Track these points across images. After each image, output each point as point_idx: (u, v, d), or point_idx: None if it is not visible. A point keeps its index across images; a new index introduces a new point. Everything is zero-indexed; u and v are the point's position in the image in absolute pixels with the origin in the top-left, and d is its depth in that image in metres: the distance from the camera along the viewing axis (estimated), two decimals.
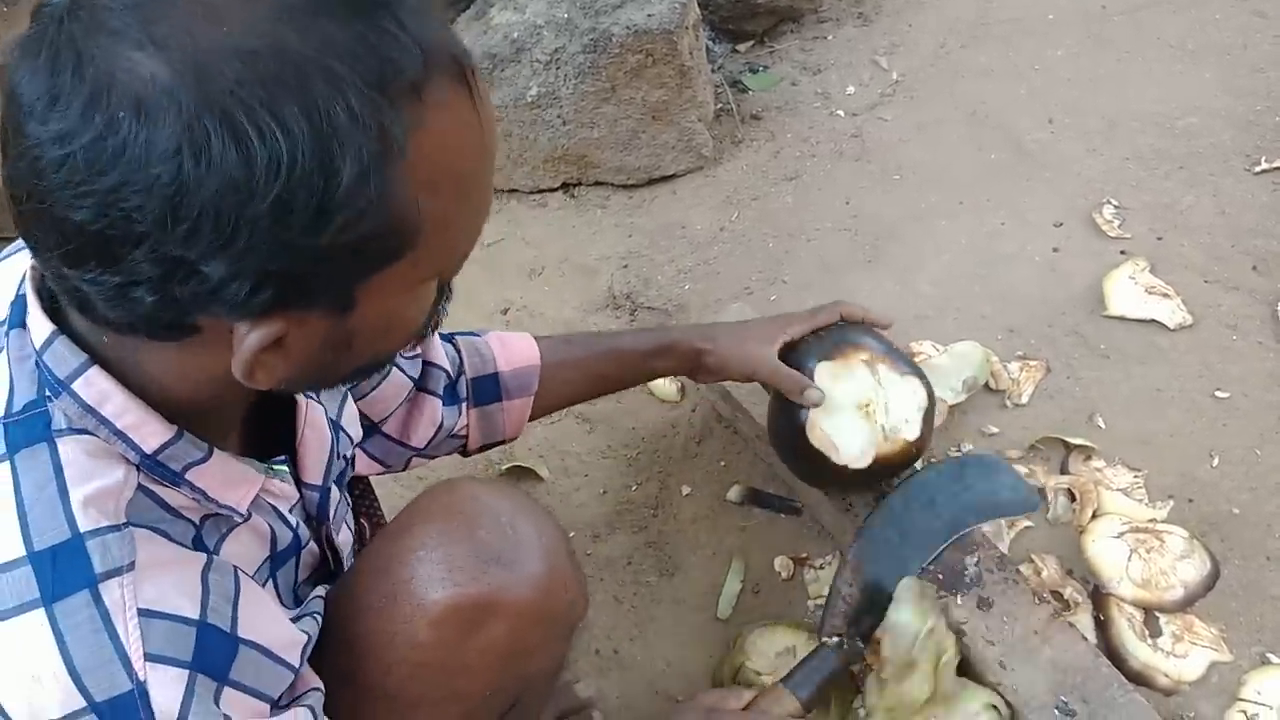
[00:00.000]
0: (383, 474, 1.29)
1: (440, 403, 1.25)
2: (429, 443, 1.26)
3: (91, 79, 0.59)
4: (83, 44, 0.59)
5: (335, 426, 1.02)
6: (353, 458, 1.11)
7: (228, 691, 0.73)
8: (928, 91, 2.28)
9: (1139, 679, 1.31)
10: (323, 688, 0.87)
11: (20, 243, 0.83)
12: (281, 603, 0.89)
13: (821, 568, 1.48)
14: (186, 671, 0.70)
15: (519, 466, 1.65)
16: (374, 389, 1.16)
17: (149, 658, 0.69)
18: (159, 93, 0.58)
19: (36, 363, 0.73)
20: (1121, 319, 1.74)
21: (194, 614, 0.72)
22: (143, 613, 0.69)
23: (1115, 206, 1.94)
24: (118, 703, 0.67)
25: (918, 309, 1.82)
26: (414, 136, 0.63)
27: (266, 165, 0.59)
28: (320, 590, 0.94)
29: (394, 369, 1.19)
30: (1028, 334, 1.75)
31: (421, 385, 1.24)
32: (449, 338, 1.30)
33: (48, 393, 0.72)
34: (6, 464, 0.70)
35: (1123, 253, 1.85)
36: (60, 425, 0.71)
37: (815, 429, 1.32)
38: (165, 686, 0.69)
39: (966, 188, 2.04)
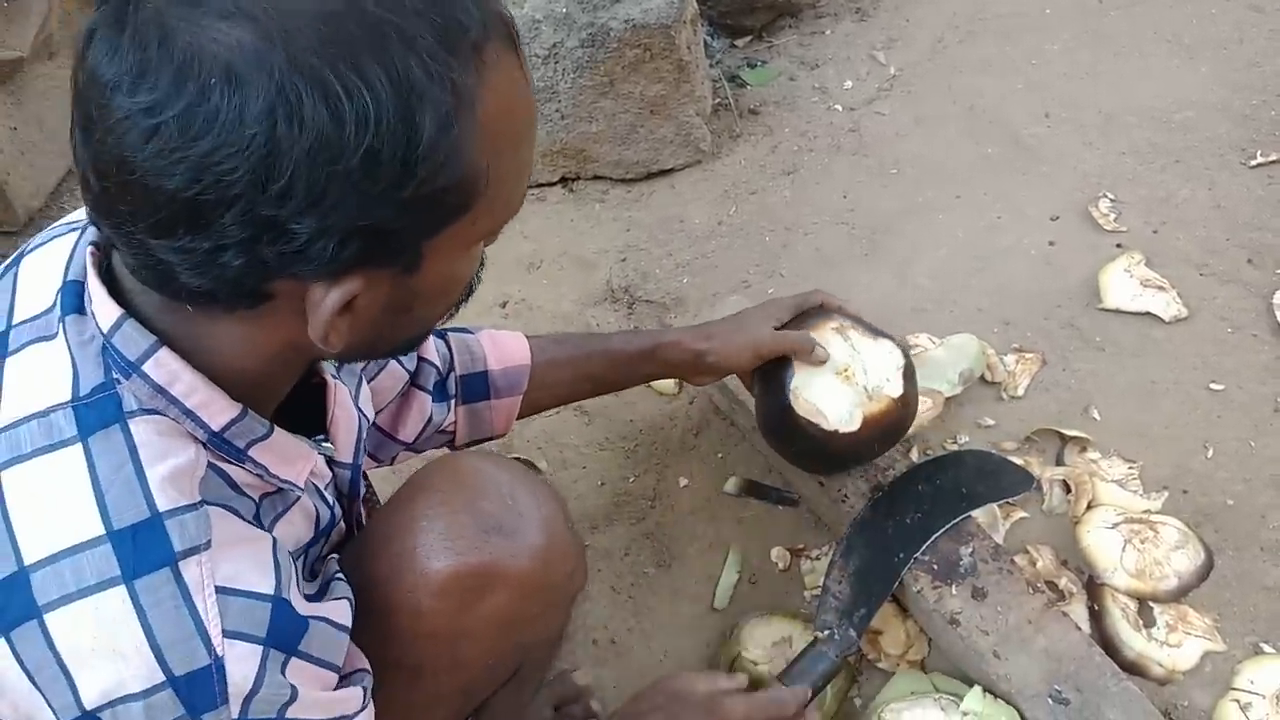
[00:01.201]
0: (372, 468, 1.29)
1: (430, 398, 1.26)
2: (417, 437, 1.27)
3: (180, 50, 0.61)
4: (166, 18, 0.62)
5: (355, 407, 1.03)
6: (366, 440, 1.13)
7: (294, 662, 0.76)
8: (925, 86, 2.28)
9: (1133, 668, 1.32)
10: (370, 668, 0.89)
11: (48, 233, 0.85)
12: (302, 576, 0.90)
13: (818, 559, 1.49)
14: (260, 647, 0.73)
15: (517, 458, 1.66)
16: (373, 378, 1.17)
17: (226, 634, 0.71)
18: (248, 58, 0.60)
19: (104, 346, 0.74)
20: (1117, 312, 1.74)
21: (269, 590, 0.75)
22: (220, 590, 0.71)
23: (1111, 200, 1.94)
24: (195, 676, 0.69)
25: (914, 302, 1.83)
26: (480, 95, 0.67)
27: (356, 121, 0.61)
28: (334, 555, 0.96)
29: (393, 361, 1.20)
30: (1024, 326, 1.76)
31: (413, 380, 1.25)
32: (441, 334, 1.31)
33: (116, 375, 0.74)
34: (79, 446, 0.72)
35: (1118, 246, 1.85)
36: (131, 406, 0.73)
37: (799, 400, 1.33)
38: (240, 661, 0.71)
39: (963, 181, 2.05)
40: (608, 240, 2.05)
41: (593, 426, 1.71)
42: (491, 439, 1.37)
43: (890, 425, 1.38)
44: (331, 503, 0.94)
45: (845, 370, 1.35)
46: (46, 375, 0.75)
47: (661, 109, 2.08)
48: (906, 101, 2.25)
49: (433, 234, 0.70)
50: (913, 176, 2.08)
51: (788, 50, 2.43)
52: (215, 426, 0.76)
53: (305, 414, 0.93)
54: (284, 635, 0.75)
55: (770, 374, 1.38)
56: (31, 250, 0.84)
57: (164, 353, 0.73)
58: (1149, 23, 2.32)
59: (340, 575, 0.91)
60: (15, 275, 0.82)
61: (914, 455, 1.55)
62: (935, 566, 1.35)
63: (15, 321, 0.79)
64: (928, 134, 2.16)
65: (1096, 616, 1.37)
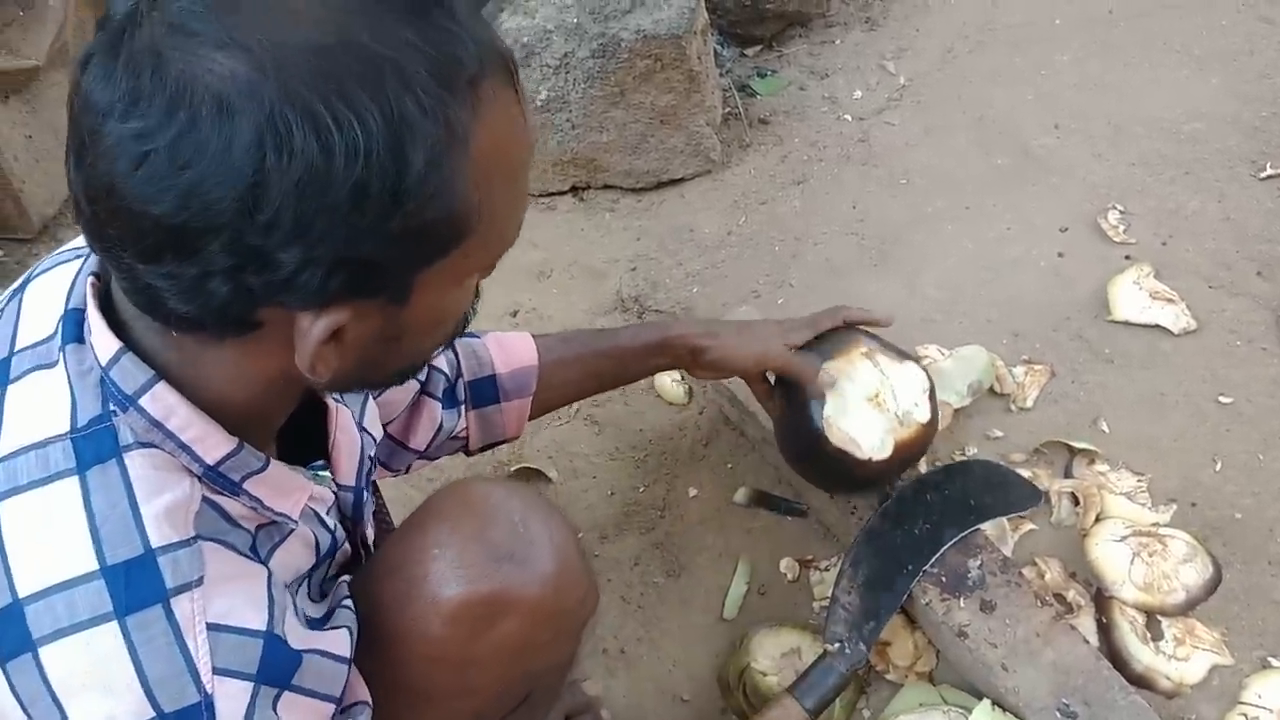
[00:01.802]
0: (386, 477, 1.30)
1: (439, 405, 1.27)
2: (429, 444, 1.27)
3: (173, 79, 0.61)
4: (161, 46, 0.62)
5: (359, 428, 1.04)
6: (375, 457, 1.13)
7: (286, 696, 0.76)
8: (934, 96, 2.29)
9: (1141, 682, 1.32)
10: (371, 701, 0.89)
11: (53, 259, 0.85)
12: (311, 599, 0.91)
13: (827, 570, 1.50)
14: (251, 684, 0.73)
15: (527, 468, 1.67)
16: (379, 394, 1.18)
17: (217, 671, 0.71)
18: (240, 88, 0.61)
19: (101, 378, 0.74)
20: (1126, 324, 1.75)
21: (261, 626, 0.75)
22: (211, 627, 0.72)
23: (1120, 211, 1.95)
24: (185, 713, 0.70)
25: (923, 312, 1.83)
26: (474, 131, 0.67)
27: (345, 153, 0.61)
28: (345, 578, 0.96)
29: None
30: (1033, 338, 1.77)
31: (422, 388, 1.26)
32: None
33: (114, 407, 0.74)
34: (76, 479, 0.72)
35: (1128, 258, 1.86)
36: (127, 440, 0.73)
37: (834, 429, 1.34)
38: (230, 699, 0.71)
39: (973, 192, 2.05)
40: (618, 249, 2.06)
41: (603, 436, 1.72)
42: (504, 442, 1.38)
43: (918, 450, 1.40)
44: (333, 526, 0.94)
45: (876, 396, 1.36)
46: (45, 405, 0.75)
47: (672, 119, 2.08)
48: (916, 111, 2.26)
49: (423, 267, 0.70)
50: (922, 187, 2.09)
51: (798, 60, 2.44)
52: (210, 460, 0.76)
53: (307, 437, 0.94)
54: (276, 671, 0.75)
55: (797, 398, 1.38)
56: (37, 275, 0.84)
57: (161, 387, 0.74)
58: (1159, 34, 2.32)
59: (348, 602, 0.91)
60: (20, 300, 0.82)
61: (922, 466, 1.55)
62: (944, 579, 1.36)
63: (18, 348, 0.79)
64: (937, 144, 2.17)
65: (1104, 629, 1.38)
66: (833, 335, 1.41)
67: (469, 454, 1.36)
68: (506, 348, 1.34)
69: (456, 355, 1.30)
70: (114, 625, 0.69)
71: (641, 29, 1.99)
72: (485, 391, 1.31)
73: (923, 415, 1.37)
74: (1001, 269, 1.89)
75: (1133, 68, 2.26)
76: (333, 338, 0.70)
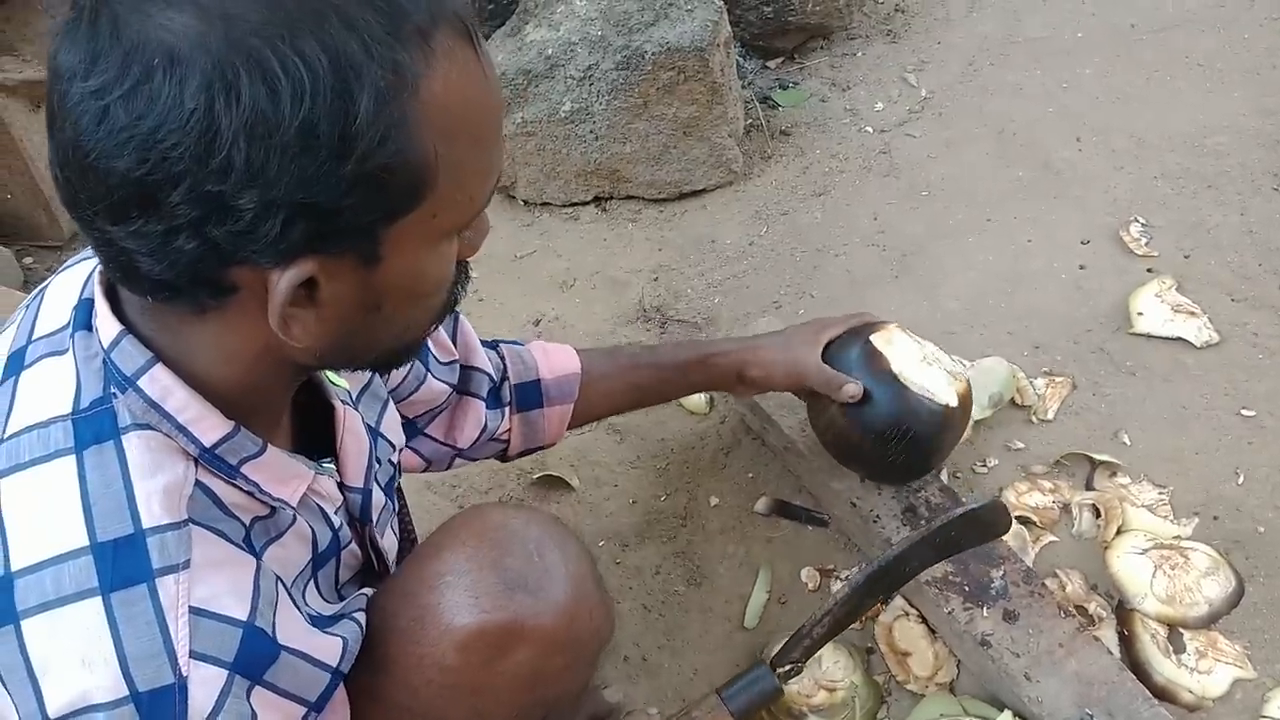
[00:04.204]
0: (426, 471, 1.32)
1: (484, 405, 1.29)
2: (473, 444, 1.29)
3: (128, 37, 0.63)
4: (118, 9, 0.64)
5: (374, 433, 1.05)
6: (399, 464, 1.14)
7: (259, 690, 0.76)
8: (956, 109, 2.30)
9: (1163, 694, 1.32)
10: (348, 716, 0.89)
11: (78, 257, 0.87)
12: (323, 598, 0.92)
13: (847, 579, 1.50)
14: (226, 672, 0.73)
15: (550, 475, 1.68)
16: (412, 393, 1.20)
17: (194, 655, 0.72)
18: (189, 40, 0.62)
19: (104, 361, 0.76)
20: (1148, 336, 1.75)
21: (242, 615, 0.75)
22: (194, 610, 0.72)
23: (1143, 225, 1.95)
24: (157, 695, 0.70)
25: (944, 325, 1.84)
26: (425, 78, 0.67)
27: (291, 95, 0.63)
28: (366, 591, 0.97)
29: (431, 378, 1.22)
30: (1054, 350, 1.77)
31: (464, 389, 1.28)
32: (493, 345, 1.34)
33: (114, 389, 0.75)
34: (73, 458, 0.74)
35: (1150, 271, 1.86)
36: (125, 421, 0.75)
37: (911, 380, 1.36)
38: (204, 684, 0.72)
39: (994, 205, 2.06)
40: (640, 260, 2.08)
41: (625, 445, 1.73)
42: (542, 448, 1.39)
43: (969, 407, 1.42)
44: (339, 525, 0.94)
45: (924, 358, 1.39)
46: (52, 389, 0.77)
47: (694, 130, 2.10)
48: (937, 124, 2.27)
49: (387, 221, 0.70)
50: (943, 199, 2.09)
51: (819, 72, 2.45)
52: (207, 442, 0.77)
53: (317, 441, 0.95)
54: (252, 662, 0.75)
55: (865, 374, 1.38)
56: (62, 271, 0.87)
57: (159, 369, 0.75)
58: (1181, 48, 2.32)
59: (359, 615, 0.92)
60: (43, 295, 0.85)
61: (943, 476, 1.56)
62: (967, 588, 1.36)
63: (34, 337, 0.81)
64: (958, 157, 2.18)
65: (1126, 642, 1.38)
66: (862, 324, 1.44)
67: (505, 459, 1.37)
68: (551, 354, 1.36)
69: (503, 359, 1.33)
70: (98, 601, 0.70)
71: (665, 41, 2.00)
72: (530, 395, 1.33)
73: (963, 371, 1.42)
74: (1023, 281, 1.89)
75: (1155, 81, 2.26)
76: (308, 299, 0.71)
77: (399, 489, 1.32)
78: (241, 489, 0.81)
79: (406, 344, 0.85)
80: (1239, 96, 2.18)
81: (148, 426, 0.75)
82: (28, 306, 0.85)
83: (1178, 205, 1.98)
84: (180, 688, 0.71)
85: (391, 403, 1.12)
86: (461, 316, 1.28)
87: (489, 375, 1.29)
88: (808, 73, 2.46)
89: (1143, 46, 2.35)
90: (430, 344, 1.22)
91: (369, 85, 0.64)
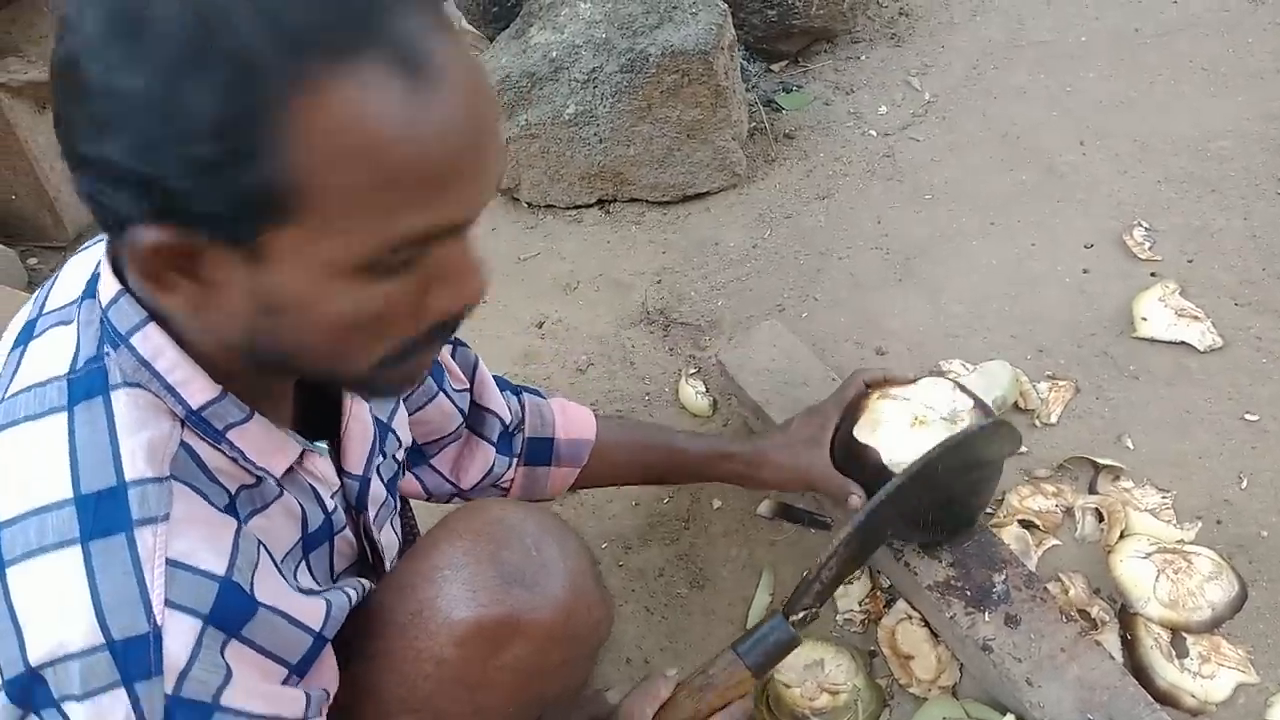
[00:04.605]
0: (426, 501, 1.33)
1: (494, 450, 1.29)
2: (475, 486, 1.30)
3: None
4: None
5: (382, 426, 1.05)
6: (404, 463, 1.14)
7: (235, 644, 0.76)
8: (960, 112, 2.30)
9: (1165, 699, 1.32)
10: (333, 692, 0.89)
11: (96, 239, 0.87)
12: (315, 581, 0.92)
13: (851, 582, 1.50)
14: (200, 622, 0.73)
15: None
16: (421, 407, 1.20)
17: (169, 604, 0.72)
18: None
19: (101, 319, 0.78)
20: (1151, 340, 1.75)
21: (220, 570, 0.75)
22: (170, 562, 0.73)
23: (1146, 228, 1.95)
24: (132, 643, 0.70)
25: (948, 328, 1.84)
26: (309, 95, 0.63)
27: (143, 56, 0.62)
28: (363, 580, 0.97)
29: (443, 396, 1.21)
30: (1057, 354, 1.77)
31: (476, 429, 1.28)
32: (517, 391, 1.34)
33: (107, 347, 0.77)
34: (65, 414, 0.75)
35: (1153, 275, 1.86)
36: (116, 379, 0.76)
37: (899, 468, 1.31)
38: (178, 635, 0.72)
39: (998, 208, 2.06)
40: (644, 262, 2.08)
41: None
42: (537, 501, 1.39)
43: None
44: (332, 508, 0.94)
45: (917, 420, 1.36)
46: (55, 352, 0.79)
47: (698, 133, 2.10)
48: (941, 127, 2.27)
49: (250, 221, 0.66)
50: (947, 203, 2.09)
51: (823, 75, 2.46)
52: (194, 404, 0.78)
53: (326, 421, 0.95)
54: (228, 616, 0.75)
55: (862, 476, 1.36)
56: (81, 250, 0.88)
57: (151, 327, 0.76)
58: (1185, 52, 2.32)
59: (347, 588, 0.92)
60: (59, 273, 0.87)
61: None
62: (968, 592, 1.36)
63: (46, 310, 0.83)
64: (962, 160, 2.18)
65: (1129, 646, 1.37)
66: (849, 406, 1.42)
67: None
68: (570, 415, 1.37)
69: (523, 407, 1.33)
70: (77, 550, 0.71)
71: (669, 45, 2.01)
72: (541, 452, 1.34)
73: (966, 404, 1.38)
74: (1026, 285, 1.89)
75: (1159, 85, 2.27)
76: (190, 271, 0.69)
77: (409, 510, 1.33)
78: (226, 454, 0.81)
79: (345, 373, 0.79)
80: (1243, 101, 2.18)
81: (137, 385, 0.76)
82: (46, 285, 0.87)
83: (1181, 209, 1.98)
84: (155, 636, 0.71)
85: (402, 401, 1.13)
86: (478, 357, 1.28)
87: (501, 419, 1.29)
88: (811, 76, 2.46)
89: (1146, 50, 2.35)
90: (445, 369, 1.23)
91: (220, 71, 0.61)
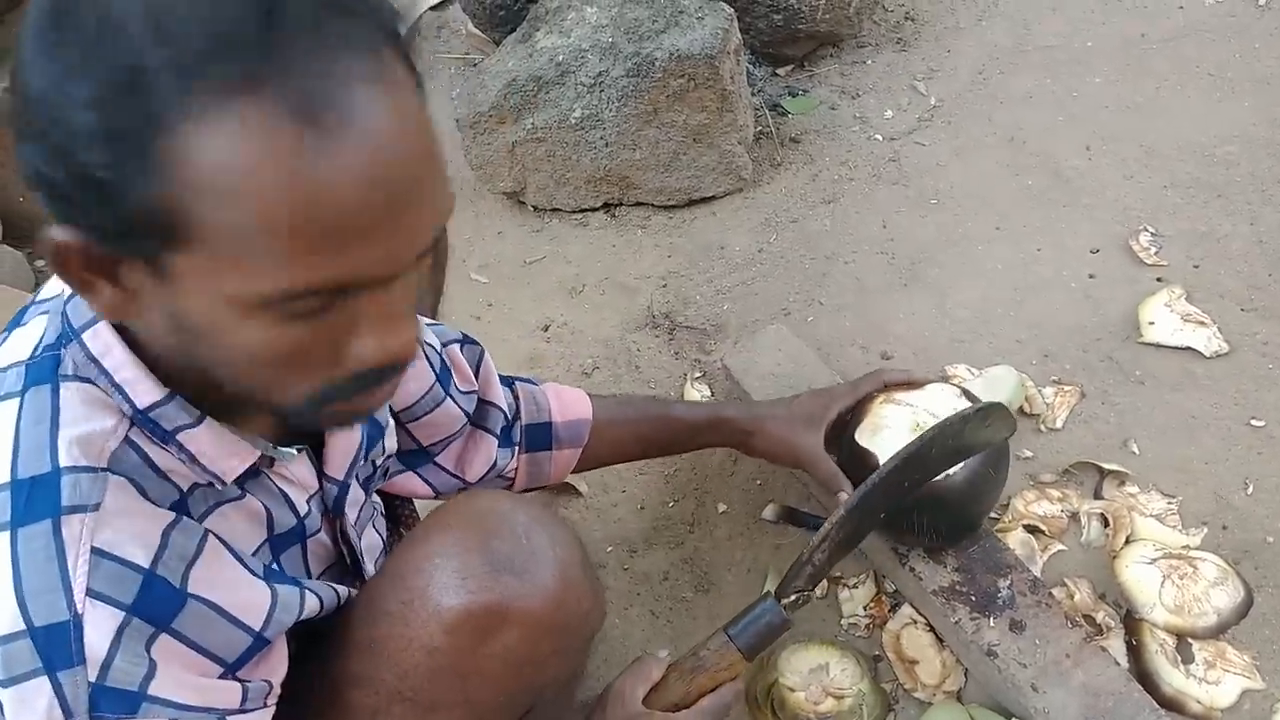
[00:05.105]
0: (434, 499, 1.33)
1: (496, 443, 1.30)
2: (480, 479, 1.30)
3: None
4: None
5: (374, 430, 1.06)
6: (385, 469, 1.15)
7: (164, 639, 0.76)
8: (966, 117, 2.30)
9: (1171, 705, 1.32)
10: (276, 684, 0.88)
11: None
12: (272, 582, 0.91)
13: (855, 586, 1.50)
14: (122, 614, 0.73)
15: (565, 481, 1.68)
16: (428, 413, 1.20)
17: (90, 593, 0.72)
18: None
19: (62, 312, 0.79)
20: (1157, 346, 1.75)
21: (144, 563, 0.76)
22: (95, 551, 0.73)
23: (1152, 234, 1.95)
24: (52, 630, 0.71)
25: (953, 332, 1.84)
26: (195, 122, 0.61)
27: (72, 61, 0.63)
28: (337, 587, 0.97)
29: (450, 402, 1.22)
30: (1063, 359, 1.77)
31: (479, 423, 1.29)
32: (509, 382, 1.35)
33: (64, 341, 0.78)
34: (18, 400, 0.76)
35: (1159, 280, 1.86)
36: (67, 370, 0.77)
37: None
38: (99, 625, 0.72)
39: (1004, 213, 2.06)
40: (649, 266, 2.08)
41: None
42: (543, 487, 1.42)
43: (979, 459, 1.36)
44: (306, 511, 0.95)
45: (917, 427, 1.36)
46: (27, 339, 0.80)
47: (704, 137, 2.10)
48: (947, 132, 2.27)
49: (140, 242, 0.66)
50: (952, 207, 2.09)
51: (829, 79, 2.46)
52: (140, 404, 0.78)
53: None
54: (153, 608, 0.75)
55: (858, 474, 1.34)
56: None
57: (102, 325, 0.78)
58: (1192, 57, 2.32)
59: (312, 586, 0.92)
60: None
61: None
62: (973, 597, 1.36)
63: (37, 299, 0.85)
64: (968, 165, 2.18)
65: (1134, 652, 1.37)
66: (868, 395, 1.42)
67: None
68: (564, 397, 1.38)
69: (517, 398, 1.34)
70: (4, 535, 0.72)
71: (675, 49, 2.01)
72: (540, 437, 1.35)
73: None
74: (1032, 290, 1.89)
75: (1165, 90, 2.26)
76: (106, 274, 0.69)
77: (411, 504, 1.33)
78: (174, 455, 0.81)
79: (275, 403, 0.77)
80: (1249, 106, 2.18)
81: (87, 380, 0.77)
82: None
83: (1188, 214, 1.98)
84: (75, 625, 0.71)
85: (390, 410, 1.13)
86: (485, 351, 1.29)
87: (503, 412, 1.30)
88: (817, 80, 2.46)
89: (1153, 55, 2.35)
90: (452, 370, 1.23)
91: (116, 85, 0.61)
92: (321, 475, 0.97)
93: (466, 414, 1.26)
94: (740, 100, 2.13)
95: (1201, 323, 1.75)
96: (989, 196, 2.10)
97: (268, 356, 0.71)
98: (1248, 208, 1.97)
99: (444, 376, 1.21)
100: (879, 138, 2.28)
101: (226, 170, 0.62)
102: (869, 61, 2.49)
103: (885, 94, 2.39)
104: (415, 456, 1.25)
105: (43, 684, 0.71)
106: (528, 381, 1.38)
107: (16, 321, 0.84)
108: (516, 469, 1.35)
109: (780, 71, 2.49)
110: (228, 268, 0.65)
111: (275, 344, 0.70)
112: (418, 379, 1.17)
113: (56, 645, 0.71)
